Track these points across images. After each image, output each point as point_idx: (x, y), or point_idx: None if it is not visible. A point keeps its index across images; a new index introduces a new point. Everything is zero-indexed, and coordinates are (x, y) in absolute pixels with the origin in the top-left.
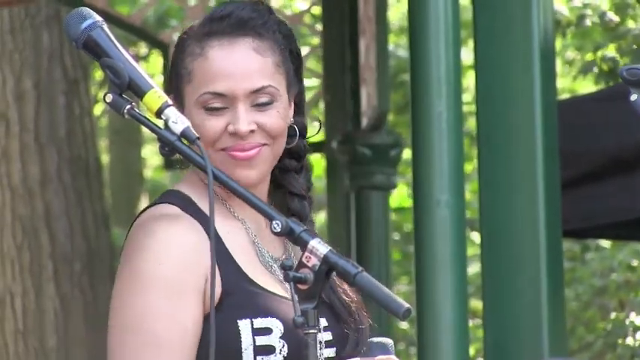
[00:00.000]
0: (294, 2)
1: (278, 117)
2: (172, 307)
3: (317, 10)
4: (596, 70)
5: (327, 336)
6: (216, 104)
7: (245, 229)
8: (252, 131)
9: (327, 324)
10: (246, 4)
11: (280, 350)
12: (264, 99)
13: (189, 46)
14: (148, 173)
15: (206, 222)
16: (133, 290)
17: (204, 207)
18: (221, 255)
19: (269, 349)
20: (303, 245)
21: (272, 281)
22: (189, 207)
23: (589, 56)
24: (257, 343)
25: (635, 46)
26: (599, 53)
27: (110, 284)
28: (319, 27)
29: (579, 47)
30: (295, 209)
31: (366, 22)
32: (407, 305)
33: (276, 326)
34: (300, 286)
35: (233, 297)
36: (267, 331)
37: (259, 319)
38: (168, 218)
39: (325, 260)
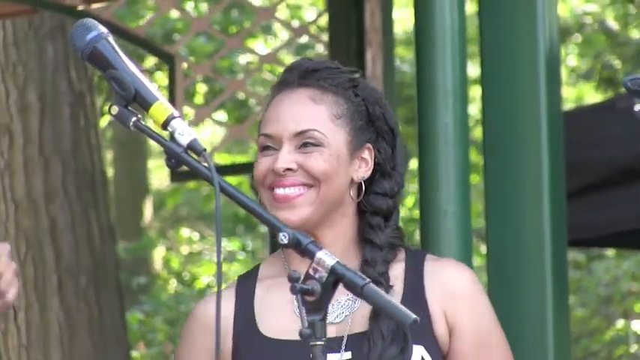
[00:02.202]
0: (300, 13)
1: (320, 159)
2: None
3: (324, 21)
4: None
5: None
6: (268, 145)
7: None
8: (290, 169)
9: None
10: (323, 61)
11: None
12: (307, 141)
13: (269, 95)
14: (154, 185)
15: (250, 289)
16: None
17: (267, 274)
18: (242, 313)
19: None
20: (311, 257)
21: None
22: (246, 279)
23: (589, 62)
24: None
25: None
26: (598, 64)
27: (115, 297)
28: (325, 38)
29: (582, 54)
30: (365, 256)
31: (373, 34)
32: (414, 316)
33: None
34: (308, 298)
35: (241, 351)
36: None
37: None
38: (208, 295)
39: (332, 272)
